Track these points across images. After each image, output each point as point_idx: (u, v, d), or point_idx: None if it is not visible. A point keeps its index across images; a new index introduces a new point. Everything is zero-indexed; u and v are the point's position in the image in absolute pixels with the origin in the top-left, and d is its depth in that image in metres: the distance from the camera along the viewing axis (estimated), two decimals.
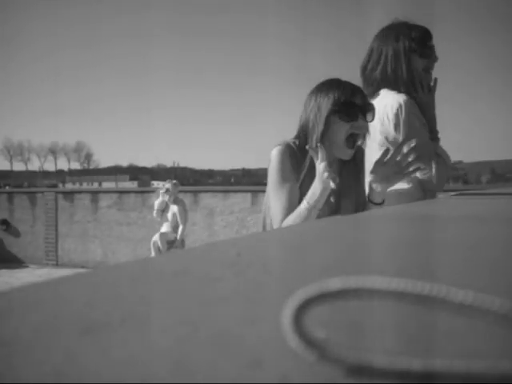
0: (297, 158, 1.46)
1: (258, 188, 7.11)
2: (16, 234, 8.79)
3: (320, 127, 1.43)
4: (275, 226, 1.46)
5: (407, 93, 1.74)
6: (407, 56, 1.71)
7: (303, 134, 1.49)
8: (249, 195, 6.97)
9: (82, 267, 7.71)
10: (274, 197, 1.46)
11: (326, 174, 1.35)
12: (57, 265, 8.26)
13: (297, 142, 1.48)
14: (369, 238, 0.63)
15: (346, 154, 1.47)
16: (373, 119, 1.48)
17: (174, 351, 0.19)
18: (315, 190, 1.38)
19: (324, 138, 1.44)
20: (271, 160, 1.47)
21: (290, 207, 1.43)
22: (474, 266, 0.40)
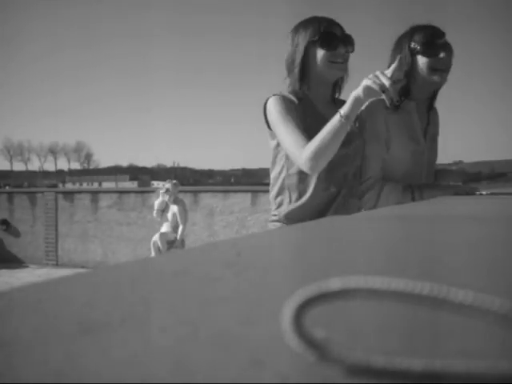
0: (295, 106, 1.47)
1: (258, 188, 7.10)
2: (16, 234, 8.78)
3: (298, 55, 1.48)
4: (297, 156, 1.42)
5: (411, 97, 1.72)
6: (411, 59, 1.69)
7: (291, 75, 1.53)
8: (249, 195, 6.97)
9: (82, 267, 7.71)
10: (283, 131, 1.44)
11: (370, 76, 1.33)
12: (57, 265, 8.26)
13: (292, 95, 1.49)
14: (369, 238, 0.63)
15: (331, 71, 1.50)
16: (353, 50, 1.53)
17: (174, 351, 0.19)
18: (348, 99, 1.37)
19: (307, 70, 1.50)
20: (268, 107, 1.48)
21: (303, 132, 1.42)
22: (473, 266, 0.40)
